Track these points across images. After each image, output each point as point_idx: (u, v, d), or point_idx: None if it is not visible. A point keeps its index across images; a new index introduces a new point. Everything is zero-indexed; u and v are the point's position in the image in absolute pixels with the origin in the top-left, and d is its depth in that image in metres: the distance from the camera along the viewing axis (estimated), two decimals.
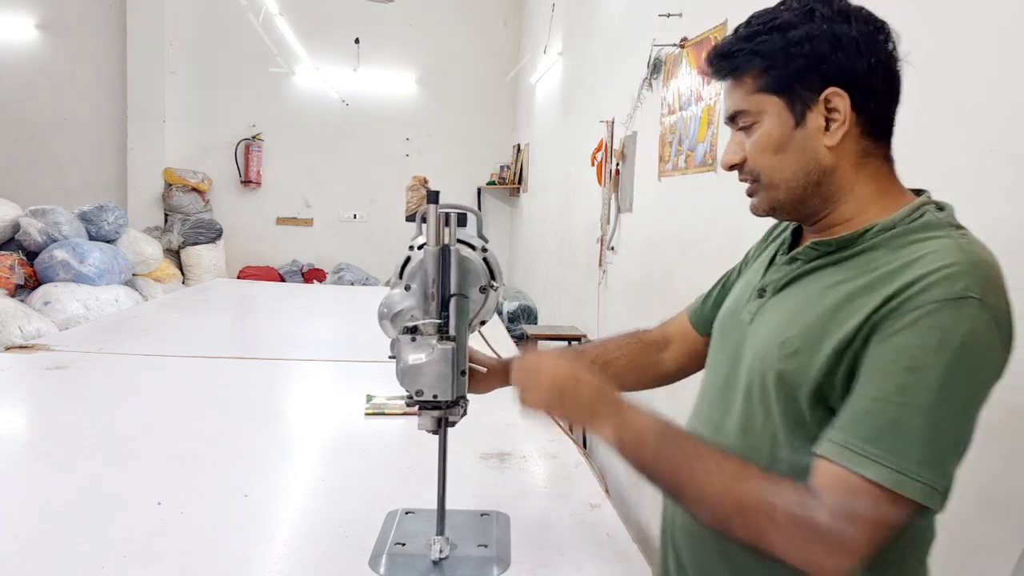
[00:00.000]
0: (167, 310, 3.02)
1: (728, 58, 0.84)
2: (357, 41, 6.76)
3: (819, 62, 0.80)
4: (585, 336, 4.11)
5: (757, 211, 0.91)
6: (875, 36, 0.81)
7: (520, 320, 5.38)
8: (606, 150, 3.62)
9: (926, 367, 0.71)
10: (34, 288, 4.62)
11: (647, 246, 3.09)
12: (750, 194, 0.90)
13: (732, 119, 0.87)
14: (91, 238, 5.06)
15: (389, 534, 1.03)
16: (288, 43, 5.78)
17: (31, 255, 4.75)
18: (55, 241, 4.76)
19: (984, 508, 1.19)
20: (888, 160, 0.86)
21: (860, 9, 0.82)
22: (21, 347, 2.08)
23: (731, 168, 0.89)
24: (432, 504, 1.00)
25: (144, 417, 1.57)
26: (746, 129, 0.86)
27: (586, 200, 4.16)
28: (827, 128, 0.82)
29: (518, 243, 6.89)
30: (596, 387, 0.89)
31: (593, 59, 4.22)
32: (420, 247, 0.96)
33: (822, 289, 0.83)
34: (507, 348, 2.30)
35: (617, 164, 3.51)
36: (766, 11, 0.84)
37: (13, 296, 4.50)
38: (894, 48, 0.83)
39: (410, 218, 4.89)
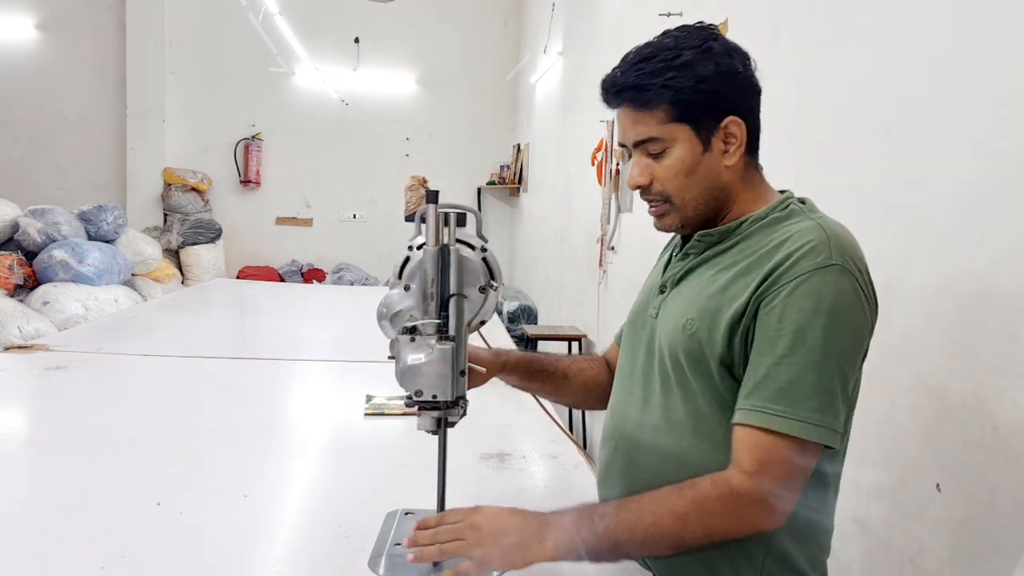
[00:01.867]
0: (166, 310, 3.02)
1: (641, 91, 0.93)
2: (357, 41, 6.76)
3: (720, 95, 0.93)
4: (585, 336, 4.11)
5: (669, 228, 1.03)
6: (750, 68, 0.96)
7: (520, 320, 5.38)
8: (606, 150, 3.62)
9: (806, 328, 0.84)
10: (33, 288, 4.61)
11: (647, 246, 3.08)
12: (660, 214, 1.01)
13: (637, 145, 0.97)
14: (90, 238, 5.06)
15: (388, 534, 1.03)
16: (288, 43, 5.77)
17: (30, 255, 4.74)
18: (54, 241, 4.75)
19: (990, 509, 1.19)
20: (759, 168, 1.02)
21: (736, 45, 0.96)
22: (20, 347, 2.08)
23: (638, 188, 1.00)
24: (432, 504, 1.00)
25: (144, 417, 1.57)
26: (655, 155, 0.96)
27: (586, 200, 4.16)
28: (726, 150, 0.95)
29: (518, 243, 6.89)
30: (519, 518, 0.89)
31: (593, 59, 4.22)
32: (419, 247, 0.96)
33: (712, 275, 0.97)
34: (507, 347, 2.30)
35: (617, 164, 3.51)
36: (664, 45, 0.94)
37: (12, 296, 4.50)
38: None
39: (409, 218, 4.89)
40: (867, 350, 0.93)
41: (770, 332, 0.86)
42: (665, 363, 0.99)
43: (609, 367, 1.26)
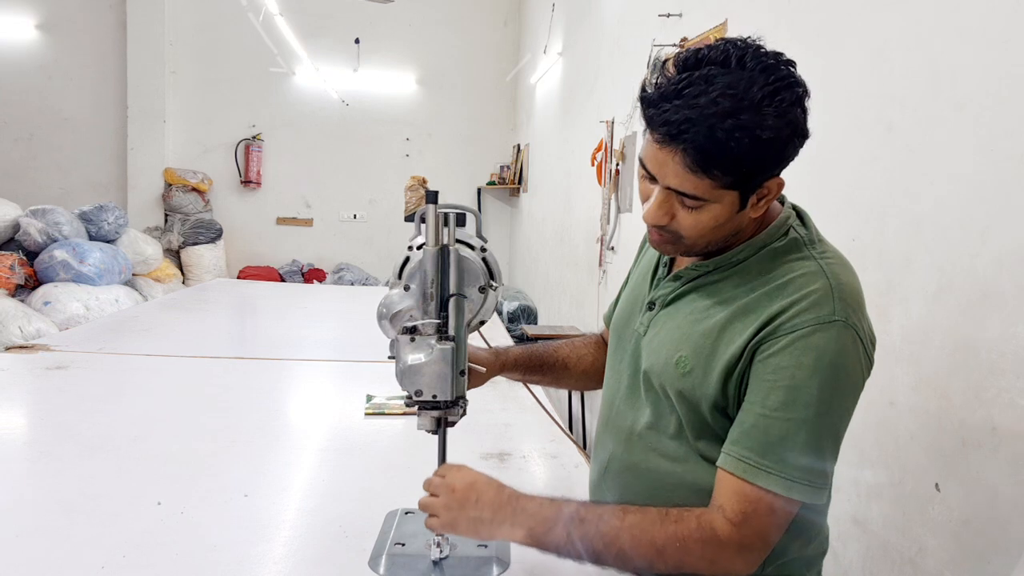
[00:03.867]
0: (167, 310, 3.02)
1: (706, 155, 0.79)
2: (357, 41, 6.76)
3: (782, 164, 0.84)
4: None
5: (667, 254, 0.99)
6: None
7: (520, 320, 5.38)
8: (606, 150, 3.62)
9: (803, 384, 0.82)
10: (34, 288, 4.61)
11: None
12: (664, 243, 0.91)
13: (671, 189, 0.84)
14: (91, 238, 5.06)
15: (389, 534, 1.04)
16: (288, 43, 5.77)
17: (31, 255, 4.74)
18: (55, 241, 4.75)
19: (990, 509, 1.19)
20: None
21: (808, 89, 0.83)
22: (21, 347, 2.08)
23: (656, 226, 0.89)
24: None
25: (144, 417, 1.57)
26: (689, 207, 0.85)
27: (586, 200, 4.16)
28: (756, 202, 0.87)
29: (518, 243, 6.89)
30: (495, 494, 0.91)
31: (593, 59, 4.22)
32: (419, 247, 0.96)
33: (706, 307, 0.92)
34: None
35: (617, 164, 3.51)
36: (749, 99, 0.77)
37: (13, 296, 4.50)
38: None
39: (409, 218, 4.88)
40: None
41: (764, 381, 0.84)
42: (653, 388, 0.96)
43: (605, 345, 1.25)
